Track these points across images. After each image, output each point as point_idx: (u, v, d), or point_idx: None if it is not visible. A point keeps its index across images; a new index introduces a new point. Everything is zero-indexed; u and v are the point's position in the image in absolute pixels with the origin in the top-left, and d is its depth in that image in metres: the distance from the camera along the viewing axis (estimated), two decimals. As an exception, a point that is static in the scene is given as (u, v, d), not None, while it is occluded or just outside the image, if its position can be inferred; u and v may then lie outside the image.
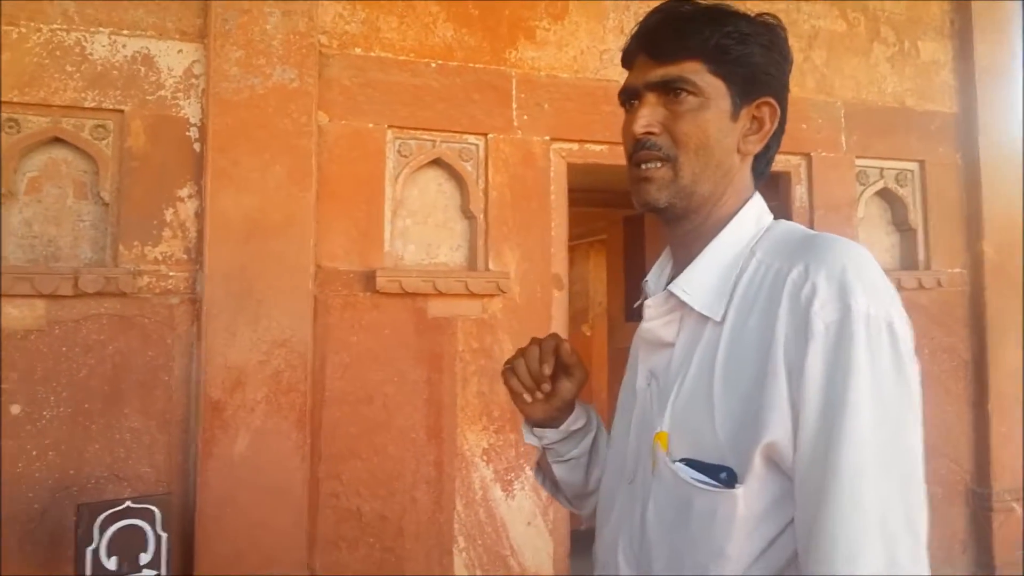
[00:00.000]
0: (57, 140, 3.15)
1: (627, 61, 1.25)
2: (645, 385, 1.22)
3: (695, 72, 1.15)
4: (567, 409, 1.41)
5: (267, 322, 3.22)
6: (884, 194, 4.72)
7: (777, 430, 0.99)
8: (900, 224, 4.74)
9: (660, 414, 1.14)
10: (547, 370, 1.32)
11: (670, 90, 1.17)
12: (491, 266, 3.69)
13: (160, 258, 3.20)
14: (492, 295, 3.67)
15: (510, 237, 3.74)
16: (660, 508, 1.11)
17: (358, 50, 3.59)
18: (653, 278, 1.31)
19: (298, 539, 3.21)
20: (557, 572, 3.73)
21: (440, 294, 3.58)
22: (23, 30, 3.09)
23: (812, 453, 0.98)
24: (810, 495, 0.98)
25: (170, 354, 3.18)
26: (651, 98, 1.18)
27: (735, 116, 1.18)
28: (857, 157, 4.57)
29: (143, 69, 3.24)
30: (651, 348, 1.23)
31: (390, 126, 3.60)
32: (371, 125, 3.56)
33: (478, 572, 3.59)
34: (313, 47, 3.43)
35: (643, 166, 1.18)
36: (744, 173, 1.22)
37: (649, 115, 1.18)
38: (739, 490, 1.01)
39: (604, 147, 3.98)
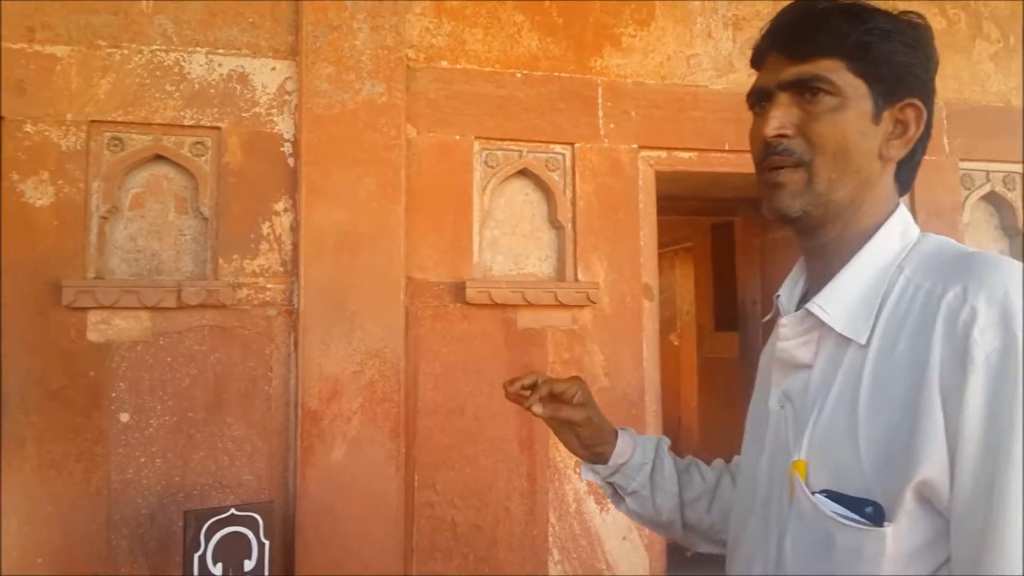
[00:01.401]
0: (159, 157, 3.46)
1: (757, 61, 1.24)
2: (778, 407, 1.22)
3: (833, 70, 1.14)
4: (604, 441, 1.52)
5: (361, 333, 3.48)
6: (990, 198, 4.77)
7: (932, 466, 0.97)
8: (1008, 229, 4.79)
9: (797, 440, 1.14)
10: (524, 383, 1.50)
11: (806, 89, 1.15)
12: (580, 276, 3.89)
13: (258, 271, 3.49)
14: (581, 306, 3.86)
15: (598, 247, 3.94)
16: (798, 541, 1.11)
17: (444, 63, 3.84)
18: (785, 292, 1.31)
19: (394, 548, 3.44)
20: (653, 588, 3.88)
21: (529, 305, 3.79)
22: (125, 51, 3.43)
23: (973, 491, 0.95)
24: (971, 536, 0.95)
25: (269, 364, 3.46)
26: (784, 98, 1.17)
27: (877, 119, 1.15)
28: (961, 160, 4.63)
29: (238, 87, 3.55)
30: (785, 369, 1.23)
31: (477, 137, 3.83)
32: (458, 137, 3.81)
33: (574, 585, 3.78)
34: (401, 61, 3.69)
35: (775, 171, 1.17)
36: (886, 181, 1.20)
37: (782, 116, 1.16)
38: (888, 528, 1.00)
39: (693, 154, 4.17)
